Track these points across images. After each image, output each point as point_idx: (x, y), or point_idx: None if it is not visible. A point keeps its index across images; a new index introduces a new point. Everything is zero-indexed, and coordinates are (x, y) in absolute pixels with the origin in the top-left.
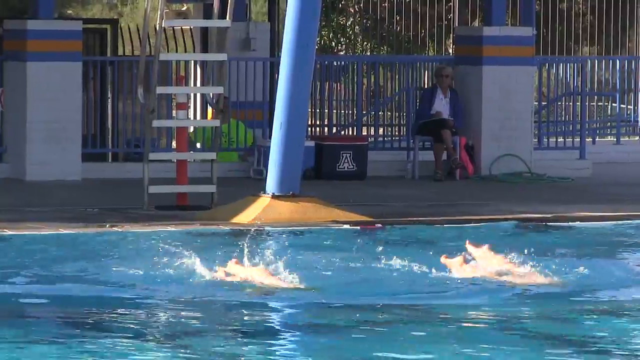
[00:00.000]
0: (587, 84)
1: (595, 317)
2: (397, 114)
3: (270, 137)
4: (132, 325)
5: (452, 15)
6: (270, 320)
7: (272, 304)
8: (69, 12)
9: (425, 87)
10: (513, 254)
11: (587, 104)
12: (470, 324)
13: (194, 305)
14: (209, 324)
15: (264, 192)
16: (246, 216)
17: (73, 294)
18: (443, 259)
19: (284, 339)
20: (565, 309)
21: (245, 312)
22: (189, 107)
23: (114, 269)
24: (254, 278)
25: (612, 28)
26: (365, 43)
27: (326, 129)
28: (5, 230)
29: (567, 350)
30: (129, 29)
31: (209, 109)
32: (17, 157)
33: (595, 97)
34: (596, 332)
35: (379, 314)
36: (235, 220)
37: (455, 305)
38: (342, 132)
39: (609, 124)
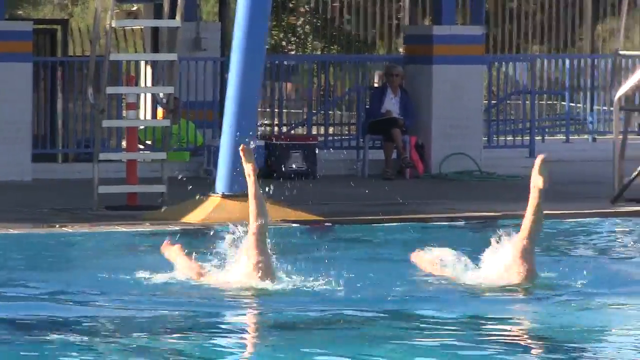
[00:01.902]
0: (536, 82)
1: (561, 315)
2: (347, 113)
3: (220, 137)
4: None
5: (402, 14)
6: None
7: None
8: (20, 12)
9: (376, 86)
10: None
11: (536, 102)
12: (429, 326)
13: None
14: (152, 325)
15: (214, 192)
16: (196, 216)
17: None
18: (414, 257)
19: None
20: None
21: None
22: (139, 107)
23: (60, 270)
24: (183, 271)
25: (562, 27)
26: (315, 42)
27: (276, 128)
28: None
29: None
30: (80, 29)
31: (159, 109)
32: None
33: (545, 95)
34: (563, 330)
35: (340, 320)
36: (186, 220)
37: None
38: (292, 132)
39: (558, 122)
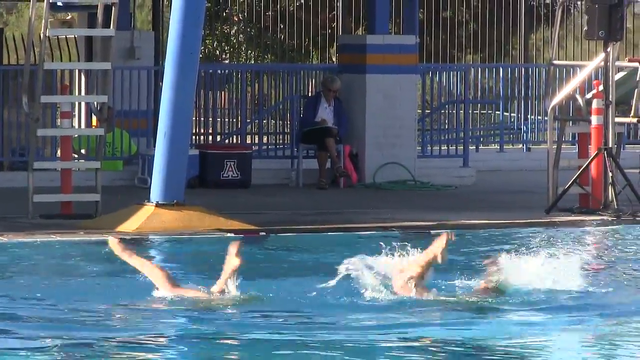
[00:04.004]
0: (470, 92)
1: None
2: (281, 122)
3: (154, 146)
4: None
5: (335, 23)
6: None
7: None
8: None
9: (310, 95)
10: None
11: (470, 111)
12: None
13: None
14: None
15: (149, 201)
16: (130, 225)
17: None
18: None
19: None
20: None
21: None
22: (74, 115)
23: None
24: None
25: (496, 36)
26: (249, 51)
27: (210, 137)
28: None
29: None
30: (14, 37)
31: (94, 118)
32: None
33: (479, 105)
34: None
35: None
36: (120, 228)
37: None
38: (227, 141)
39: (492, 131)
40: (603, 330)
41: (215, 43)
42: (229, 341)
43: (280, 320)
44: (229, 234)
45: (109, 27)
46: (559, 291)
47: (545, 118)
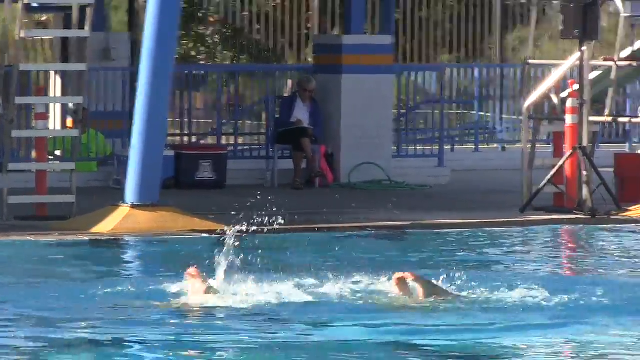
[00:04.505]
0: (446, 91)
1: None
2: (256, 122)
3: (129, 147)
4: None
5: (311, 24)
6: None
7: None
8: None
9: (285, 95)
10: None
11: (446, 111)
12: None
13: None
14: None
15: (124, 202)
16: (105, 226)
17: None
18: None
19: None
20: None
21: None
22: (49, 117)
23: None
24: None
25: (471, 36)
26: (225, 52)
27: (186, 138)
28: None
29: None
30: None
31: (69, 119)
32: None
33: (454, 104)
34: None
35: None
36: (95, 230)
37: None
38: (202, 141)
39: (467, 131)
40: (579, 330)
41: (191, 44)
42: (199, 343)
43: (259, 320)
44: (204, 235)
45: (84, 28)
46: (529, 294)
47: (521, 117)
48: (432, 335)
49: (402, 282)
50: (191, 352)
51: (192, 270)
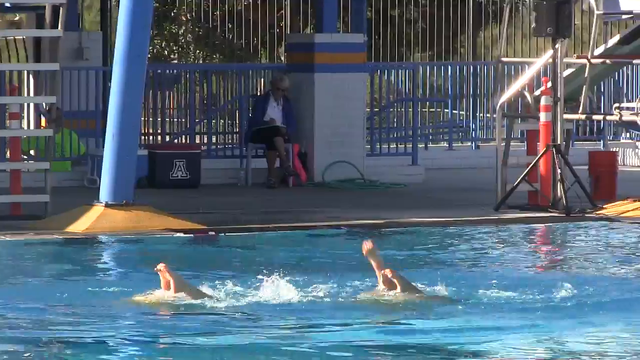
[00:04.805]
0: (419, 90)
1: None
2: (230, 121)
3: (103, 146)
4: None
5: (283, 22)
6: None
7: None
8: None
9: (258, 94)
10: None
11: (419, 110)
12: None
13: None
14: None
15: (98, 201)
16: (80, 225)
17: None
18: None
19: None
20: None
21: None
22: (22, 117)
23: None
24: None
25: (444, 34)
26: (197, 51)
27: (159, 137)
28: None
29: None
30: None
31: (43, 119)
32: None
33: (428, 103)
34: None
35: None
36: (70, 229)
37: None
38: (175, 141)
39: (441, 129)
40: (553, 328)
41: (164, 43)
42: (167, 345)
43: (233, 319)
44: (178, 234)
45: (57, 27)
46: (503, 292)
47: (494, 115)
48: (409, 335)
49: (387, 277)
50: (167, 350)
51: (160, 266)
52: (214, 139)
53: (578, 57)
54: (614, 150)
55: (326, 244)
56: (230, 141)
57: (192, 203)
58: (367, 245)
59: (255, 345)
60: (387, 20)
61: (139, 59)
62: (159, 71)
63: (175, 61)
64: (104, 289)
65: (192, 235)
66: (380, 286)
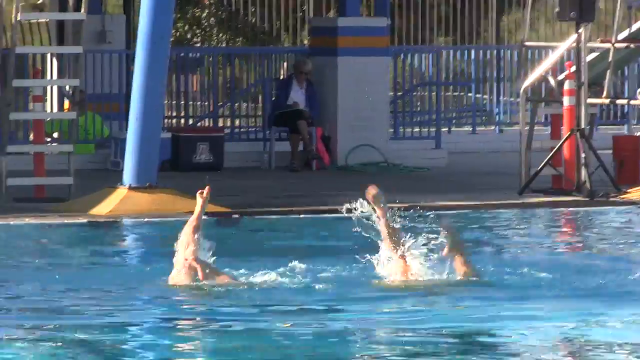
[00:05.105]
0: (442, 74)
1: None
2: (253, 105)
3: (126, 129)
4: None
5: (306, 6)
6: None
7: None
8: None
9: (281, 78)
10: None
11: (442, 94)
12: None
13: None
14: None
15: (121, 184)
16: (104, 208)
17: None
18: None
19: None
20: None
21: None
22: (46, 99)
23: None
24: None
25: (467, 18)
26: (220, 35)
27: (182, 120)
28: None
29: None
30: None
31: (66, 102)
32: None
33: (451, 87)
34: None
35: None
36: (93, 212)
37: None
38: (199, 124)
39: (464, 113)
40: (579, 312)
41: (187, 26)
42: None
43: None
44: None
45: (80, 11)
46: (528, 276)
47: (518, 100)
48: (429, 322)
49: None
50: (190, 334)
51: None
52: (237, 122)
53: (602, 42)
54: (638, 134)
55: (349, 228)
56: (253, 124)
57: (215, 186)
58: (372, 190)
59: (278, 331)
60: (410, 4)
61: (162, 41)
62: (182, 54)
63: (198, 44)
64: (127, 271)
65: (215, 218)
66: (384, 253)
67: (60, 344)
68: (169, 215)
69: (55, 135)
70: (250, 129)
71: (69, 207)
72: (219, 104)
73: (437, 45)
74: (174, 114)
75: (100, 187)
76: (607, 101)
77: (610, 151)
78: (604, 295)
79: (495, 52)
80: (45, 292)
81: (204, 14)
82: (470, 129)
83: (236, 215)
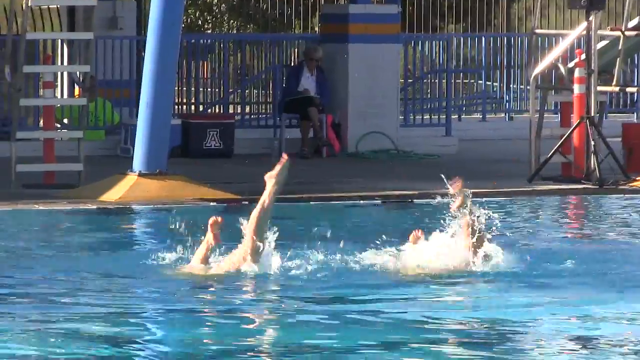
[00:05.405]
0: (453, 61)
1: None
2: (263, 91)
3: (137, 116)
4: None
5: None
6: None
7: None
8: None
9: (292, 64)
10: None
11: (453, 81)
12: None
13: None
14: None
15: (132, 170)
16: (113, 194)
17: None
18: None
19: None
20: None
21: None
22: (56, 85)
23: None
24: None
25: (478, 5)
26: (231, 21)
27: (193, 107)
28: None
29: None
30: None
31: (76, 88)
32: None
33: (461, 74)
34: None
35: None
36: (103, 198)
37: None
38: (209, 110)
39: (475, 101)
40: (588, 300)
41: (198, 12)
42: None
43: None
44: (212, 203)
45: None
46: (538, 264)
47: (528, 87)
48: (444, 311)
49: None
50: (202, 322)
51: (218, 218)
52: (247, 109)
53: (612, 30)
54: None
55: (360, 215)
56: (263, 111)
57: (226, 173)
58: (458, 183)
59: (292, 316)
60: None
61: (173, 28)
62: (193, 41)
63: (209, 31)
64: (137, 258)
65: (225, 204)
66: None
67: (67, 331)
68: (179, 202)
69: (66, 121)
70: (260, 116)
71: (79, 193)
72: (230, 90)
73: (447, 32)
74: (185, 100)
75: (110, 174)
76: (616, 89)
77: (620, 139)
78: (614, 283)
79: (505, 39)
80: (54, 279)
81: (215, 0)
82: (481, 116)
83: (246, 202)
